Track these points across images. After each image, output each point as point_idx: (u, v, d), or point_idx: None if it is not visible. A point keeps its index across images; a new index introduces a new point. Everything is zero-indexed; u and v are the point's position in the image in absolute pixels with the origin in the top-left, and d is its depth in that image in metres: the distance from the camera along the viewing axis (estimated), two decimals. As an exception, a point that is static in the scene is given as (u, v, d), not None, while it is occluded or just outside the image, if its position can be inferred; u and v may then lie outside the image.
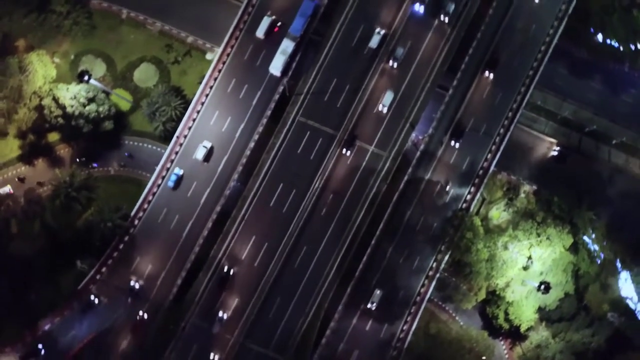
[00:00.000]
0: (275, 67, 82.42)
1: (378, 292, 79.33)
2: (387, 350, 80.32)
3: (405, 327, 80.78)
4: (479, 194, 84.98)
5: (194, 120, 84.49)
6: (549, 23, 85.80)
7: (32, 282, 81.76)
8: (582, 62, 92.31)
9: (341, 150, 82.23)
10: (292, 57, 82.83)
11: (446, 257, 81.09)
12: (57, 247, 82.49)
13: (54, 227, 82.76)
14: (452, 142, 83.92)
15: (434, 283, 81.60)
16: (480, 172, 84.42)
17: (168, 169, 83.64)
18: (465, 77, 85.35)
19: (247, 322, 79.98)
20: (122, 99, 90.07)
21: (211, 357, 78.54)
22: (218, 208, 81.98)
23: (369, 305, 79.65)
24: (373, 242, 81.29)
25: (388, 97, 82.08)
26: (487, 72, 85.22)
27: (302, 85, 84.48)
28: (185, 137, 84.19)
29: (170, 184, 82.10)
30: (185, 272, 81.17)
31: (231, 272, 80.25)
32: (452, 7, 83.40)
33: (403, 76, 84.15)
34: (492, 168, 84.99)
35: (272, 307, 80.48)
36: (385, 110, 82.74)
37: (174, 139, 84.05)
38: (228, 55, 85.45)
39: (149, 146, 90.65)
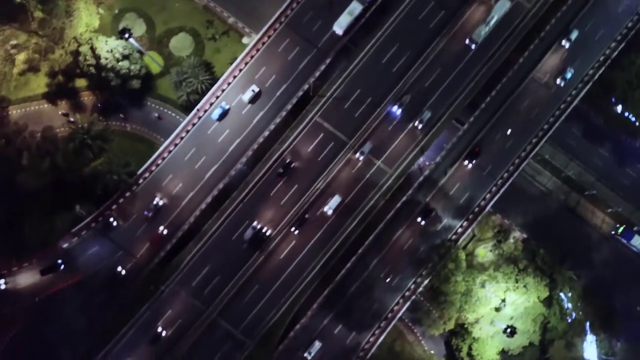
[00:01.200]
0: (340, 25, 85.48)
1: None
2: (348, 357, 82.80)
3: (371, 339, 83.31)
4: (470, 230, 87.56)
5: (217, 97, 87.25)
6: (573, 84, 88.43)
7: (30, 215, 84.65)
8: (597, 127, 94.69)
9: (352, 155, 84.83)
10: (356, 19, 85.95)
11: (425, 282, 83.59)
12: (61, 187, 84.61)
13: (62, 168, 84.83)
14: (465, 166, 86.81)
15: (408, 303, 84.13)
16: (476, 209, 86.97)
17: (182, 138, 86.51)
18: (482, 116, 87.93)
19: (223, 301, 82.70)
20: (154, 62, 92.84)
21: (178, 322, 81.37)
22: (221, 186, 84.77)
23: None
24: (360, 251, 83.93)
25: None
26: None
27: (327, 89, 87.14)
28: (205, 111, 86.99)
29: (181, 153, 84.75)
30: (175, 240, 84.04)
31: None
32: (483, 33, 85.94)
33: (424, 101, 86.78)
34: (488, 208, 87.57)
35: (249, 292, 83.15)
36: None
37: (194, 111, 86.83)
38: (263, 44, 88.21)
39: (169, 112, 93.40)
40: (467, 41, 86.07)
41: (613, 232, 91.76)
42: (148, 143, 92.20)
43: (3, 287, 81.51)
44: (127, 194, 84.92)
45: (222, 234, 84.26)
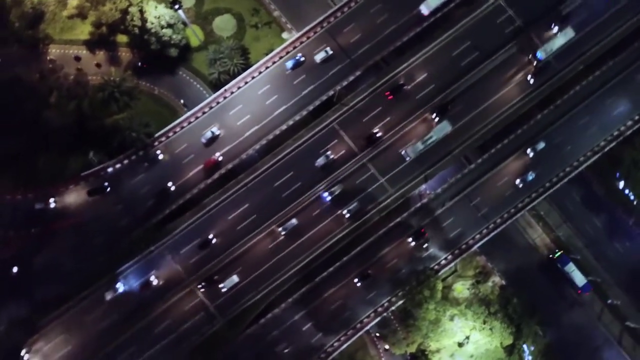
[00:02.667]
0: (428, 5, 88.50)
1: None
2: (310, 356, 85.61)
3: (336, 344, 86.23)
4: (453, 264, 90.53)
5: (245, 82, 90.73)
6: (583, 151, 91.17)
7: (46, 150, 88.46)
8: (596, 197, 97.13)
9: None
10: (444, 4, 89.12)
11: (399, 302, 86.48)
12: (80, 131, 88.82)
13: (86, 113, 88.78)
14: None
15: (378, 319, 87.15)
16: (464, 246, 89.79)
17: (204, 113, 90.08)
18: (489, 160, 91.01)
19: (206, 274, 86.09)
20: (195, 36, 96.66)
21: (157, 283, 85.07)
22: (230, 166, 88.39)
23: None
24: (345, 259, 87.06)
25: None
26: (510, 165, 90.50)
27: (350, 99, 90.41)
28: (231, 93, 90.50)
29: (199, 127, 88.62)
30: (175, 206, 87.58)
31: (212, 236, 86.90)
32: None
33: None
34: (475, 248, 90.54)
35: (232, 273, 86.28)
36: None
37: (221, 90, 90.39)
38: (301, 43, 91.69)
39: (198, 86, 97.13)
40: (402, 152, 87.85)
41: (550, 255, 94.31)
42: (171, 110, 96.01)
43: (52, 205, 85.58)
44: (141, 153, 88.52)
45: (220, 212, 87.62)
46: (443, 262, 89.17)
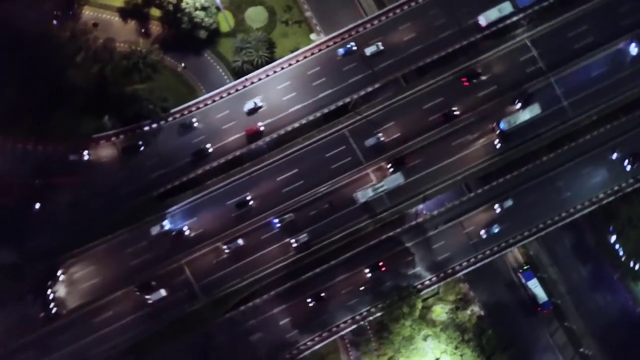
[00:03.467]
0: (487, 17, 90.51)
1: None
2: (282, 350, 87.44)
3: (309, 343, 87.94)
4: (436, 286, 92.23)
5: (267, 75, 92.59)
6: (581, 200, 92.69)
7: (62, 107, 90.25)
8: (586, 246, 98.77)
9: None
10: (502, 19, 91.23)
11: (377, 314, 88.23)
12: (99, 94, 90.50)
13: (108, 78, 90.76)
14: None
15: (354, 326, 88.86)
16: (449, 271, 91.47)
17: (221, 98, 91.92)
18: (490, 192, 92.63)
19: (194, 254, 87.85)
20: (226, 22, 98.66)
21: (146, 255, 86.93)
22: (237, 152, 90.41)
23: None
24: (333, 263, 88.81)
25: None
26: (508, 201, 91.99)
27: (365, 109, 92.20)
28: (252, 83, 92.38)
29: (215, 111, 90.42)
30: (178, 182, 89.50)
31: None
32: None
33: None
34: (460, 274, 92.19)
35: (220, 256, 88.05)
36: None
37: (242, 79, 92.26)
38: (327, 47, 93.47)
39: (220, 70, 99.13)
40: (354, 195, 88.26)
41: (520, 270, 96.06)
42: (190, 88, 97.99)
43: (86, 157, 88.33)
44: (154, 125, 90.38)
45: (219, 196, 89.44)
46: (427, 282, 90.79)
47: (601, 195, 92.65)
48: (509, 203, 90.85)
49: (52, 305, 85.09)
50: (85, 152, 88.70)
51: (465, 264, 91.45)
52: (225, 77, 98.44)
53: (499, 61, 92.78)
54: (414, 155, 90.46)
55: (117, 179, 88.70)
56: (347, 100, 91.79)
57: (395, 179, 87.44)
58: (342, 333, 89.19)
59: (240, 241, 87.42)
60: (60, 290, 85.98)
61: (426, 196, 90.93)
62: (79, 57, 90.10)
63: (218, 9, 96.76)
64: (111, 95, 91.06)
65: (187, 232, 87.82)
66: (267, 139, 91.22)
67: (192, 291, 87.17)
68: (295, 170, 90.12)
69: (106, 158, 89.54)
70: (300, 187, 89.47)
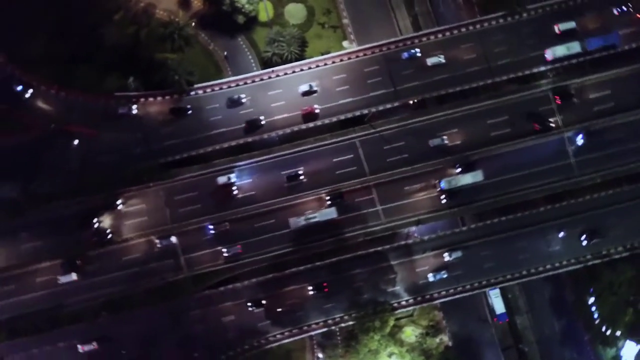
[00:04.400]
0: (554, 52, 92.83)
1: None
2: (251, 337, 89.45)
3: (278, 336, 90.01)
4: (411, 308, 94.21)
5: (293, 72, 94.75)
6: (568, 256, 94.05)
7: (91, 60, 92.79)
8: (564, 302, 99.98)
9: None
10: (567, 57, 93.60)
11: (350, 322, 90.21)
12: (130, 56, 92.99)
13: (141, 42, 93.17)
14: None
15: (325, 329, 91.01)
16: (427, 296, 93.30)
17: (245, 84, 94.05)
18: (482, 230, 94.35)
19: (188, 227, 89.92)
20: (266, 12, 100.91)
21: (143, 218, 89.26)
22: (249, 139, 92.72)
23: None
24: (317, 264, 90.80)
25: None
26: (494, 241, 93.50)
27: (380, 124, 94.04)
28: (277, 76, 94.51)
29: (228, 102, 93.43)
30: (182, 155, 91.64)
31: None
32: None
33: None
34: (436, 302, 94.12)
35: (209, 233, 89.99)
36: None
37: (269, 69, 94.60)
38: (357, 57, 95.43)
39: (249, 57, 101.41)
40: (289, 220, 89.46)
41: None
42: (217, 68, 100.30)
43: (134, 112, 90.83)
44: (175, 96, 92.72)
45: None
46: (404, 303, 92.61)
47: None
48: (495, 244, 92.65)
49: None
50: (134, 107, 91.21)
51: (443, 292, 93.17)
52: (253, 64, 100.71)
53: (517, 106, 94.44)
54: (379, 187, 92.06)
55: (159, 134, 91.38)
56: (365, 111, 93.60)
57: (330, 213, 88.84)
58: (312, 333, 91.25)
59: (227, 224, 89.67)
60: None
61: (420, 220, 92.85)
62: (117, 16, 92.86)
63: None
64: (141, 58, 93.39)
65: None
66: (280, 131, 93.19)
67: (177, 262, 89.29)
68: (301, 167, 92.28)
69: (153, 115, 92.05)
70: (302, 184, 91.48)
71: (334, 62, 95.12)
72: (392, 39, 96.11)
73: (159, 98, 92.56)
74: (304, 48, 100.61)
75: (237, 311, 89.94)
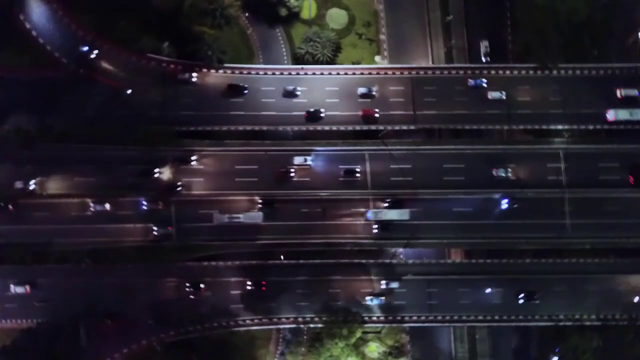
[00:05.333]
0: (616, 114, 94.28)
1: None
2: (221, 316, 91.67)
3: (248, 322, 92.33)
4: (380, 326, 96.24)
5: (321, 73, 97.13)
6: (539, 313, 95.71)
7: (129, 18, 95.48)
8: (528, 355, 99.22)
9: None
10: (628, 122, 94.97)
11: (319, 325, 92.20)
12: (169, 21, 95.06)
13: (184, 11, 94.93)
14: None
15: (294, 326, 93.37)
16: (398, 318, 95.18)
17: (273, 74, 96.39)
18: (464, 266, 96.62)
19: (188, 197, 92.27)
20: (309, 11, 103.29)
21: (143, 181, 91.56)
22: (265, 127, 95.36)
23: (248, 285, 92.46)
24: (300, 261, 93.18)
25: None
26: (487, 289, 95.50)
27: (391, 142, 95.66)
28: (305, 73, 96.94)
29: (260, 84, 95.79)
30: (200, 128, 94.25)
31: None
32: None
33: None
34: (406, 325, 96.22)
35: (203, 211, 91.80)
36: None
37: (299, 66, 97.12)
38: (385, 73, 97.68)
39: (283, 49, 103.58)
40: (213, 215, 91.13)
41: None
42: (250, 53, 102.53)
43: (194, 79, 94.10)
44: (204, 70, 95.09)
45: (230, 158, 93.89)
46: (374, 318, 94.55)
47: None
48: (474, 283, 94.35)
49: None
50: (195, 75, 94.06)
51: (415, 318, 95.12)
52: (285, 57, 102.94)
53: (525, 158, 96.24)
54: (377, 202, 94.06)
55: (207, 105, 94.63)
56: (381, 127, 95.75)
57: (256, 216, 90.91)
58: (281, 327, 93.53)
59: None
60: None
61: (409, 243, 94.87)
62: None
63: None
64: (180, 26, 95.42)
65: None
66: (295, 127, 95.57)
67: (167, 229, 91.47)
68: (256, 166, 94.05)
69: (210, 86, 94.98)
70: (305, 182, 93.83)
71: (362, 74, 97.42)
72: (423, 64, 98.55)
73: (220, 72, 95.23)
74: (337, 53, 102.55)
75: (214, 288, 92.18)
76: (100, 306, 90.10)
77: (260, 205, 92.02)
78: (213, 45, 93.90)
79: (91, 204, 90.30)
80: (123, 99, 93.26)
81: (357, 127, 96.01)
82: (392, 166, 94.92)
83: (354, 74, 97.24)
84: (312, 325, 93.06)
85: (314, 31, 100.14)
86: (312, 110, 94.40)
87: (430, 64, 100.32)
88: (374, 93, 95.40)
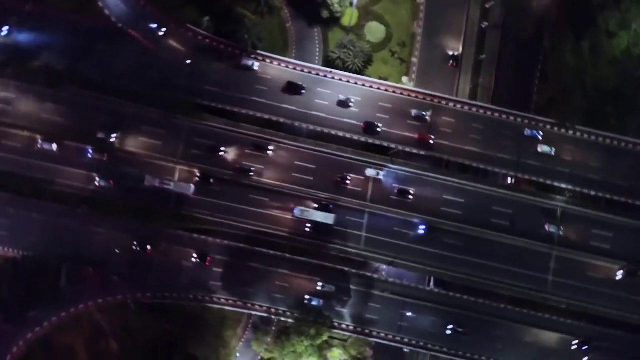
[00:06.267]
0: None
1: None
2: (198, 290, 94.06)
3: (222, 301, 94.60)
4: (348, 334, 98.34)
5: (346, 81, 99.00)
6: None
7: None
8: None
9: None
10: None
11: (289, 320, 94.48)
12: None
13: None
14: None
15: (266, 315, 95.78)
16: (367, 331, 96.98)
17: (302, 71, 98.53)
18: (441, 296, 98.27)
19: (193, 168, 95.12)
20: (349, 19, 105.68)
21: (152, 144, 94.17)
22: (281, 120, 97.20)
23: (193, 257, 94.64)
24: (285, 255, 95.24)
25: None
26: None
27: (400, 162, 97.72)
28: (331, 78, 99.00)
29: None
30: (220, 105, 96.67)
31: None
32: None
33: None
34: (373, 340, 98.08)
35: (212, 186, 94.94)
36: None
37: (329, 69, 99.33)
38: (408, 95, 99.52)
39: (316, 49, 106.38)
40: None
41: None
42: (285, 45, 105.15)
43: (256, 68, 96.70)
44: (237, 51, 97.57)
45: (244, 141, 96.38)
46: (344, 326, 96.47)
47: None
48: (445, 315, 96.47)
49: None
50: (257, 64, 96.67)
51: (382, 335, 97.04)
52: (317, 58, 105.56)
53: (524, 208, 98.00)
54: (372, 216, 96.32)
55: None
56: (393, 146, 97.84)
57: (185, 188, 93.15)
58: (253, 313, 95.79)
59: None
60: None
61: (394, 262, 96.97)
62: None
63: (351, 4, 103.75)
64: (224, 5, 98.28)
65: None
66: (311, 126, 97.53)
67: (169, 195, 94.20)
68: (314, 166, 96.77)
69: (269, 78, 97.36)
70: (306, 180, 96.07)
71: (386, 90, 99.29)
72: (447, 95, 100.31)
73: (282, 65, 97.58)
74: (367, 65, 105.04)
75: (199, 263, 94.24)
76: (86, 253, 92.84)
77: (197, 178, 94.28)
78: (251, 30, 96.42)
79: (39, 142, 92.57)
80: (154, 62, 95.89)
81: (370, 140, 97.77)
82: (393, 184, 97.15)
83: (378, 88, 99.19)
84: (282, 319, 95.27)
85: (350, 39, 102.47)
86: (368, 122, 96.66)
87: (452, 95, 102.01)
88: (427, 118, 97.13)
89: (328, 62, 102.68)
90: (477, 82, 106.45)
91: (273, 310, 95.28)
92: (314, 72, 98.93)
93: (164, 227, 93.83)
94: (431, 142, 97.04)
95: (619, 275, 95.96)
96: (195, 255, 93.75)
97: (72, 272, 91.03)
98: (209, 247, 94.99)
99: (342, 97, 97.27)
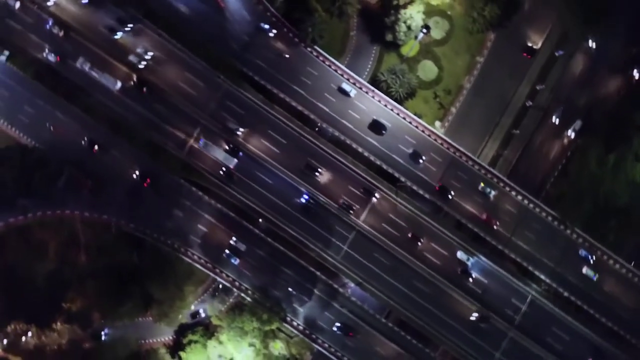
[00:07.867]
0: None
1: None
2: (178, 238, 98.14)
3: (195, 257, 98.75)
4: (296, 332, 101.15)
5: (385, 105, 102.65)
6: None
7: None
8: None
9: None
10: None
11: (247, 299, 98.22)
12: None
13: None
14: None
15: (229, 286, 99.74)
16: (314, 336, 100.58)
17: (347, 80, 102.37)
18: (391, 331, 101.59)
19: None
20: (409, 49, 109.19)
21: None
22: (312, 116, 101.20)
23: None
24: (269, 239, 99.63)
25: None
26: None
27: (403, 195, 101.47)
28: (372, 96, 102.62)
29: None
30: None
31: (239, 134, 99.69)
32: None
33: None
34: (316, 347, 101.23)
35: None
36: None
37: (372, 87, 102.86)
38: (434, 140, 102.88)
39: (368, 65, 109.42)
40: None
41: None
42: (342, 49, 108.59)
43: (352, 95, 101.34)
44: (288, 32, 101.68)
45: (265, 125, 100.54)
46: (295, 324, 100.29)
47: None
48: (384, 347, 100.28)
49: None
50: (354, 91, 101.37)
51: (326, 345, 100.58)
52: (365, 73, 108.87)
53: (499, 281, 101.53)
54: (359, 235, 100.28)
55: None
56: (402, 178, 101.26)
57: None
58: (219, 280, 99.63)
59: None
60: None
61: (362, 284, 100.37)
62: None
63: (416, 37, 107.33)
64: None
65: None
66: (336, 132, 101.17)
67: (185, 145, 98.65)
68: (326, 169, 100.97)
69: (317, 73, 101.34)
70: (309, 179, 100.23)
71: (416, 127, 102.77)
72: (466, 151, 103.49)
73: (332, 67, 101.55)
74: (408, 97, 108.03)
75: (188, 214, 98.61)
76: (92, 166, 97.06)
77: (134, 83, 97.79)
78: (317, 26, 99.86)
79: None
80: (219, 19, 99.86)
81: (383, 165, 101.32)
82: (389, 214, 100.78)
83: (409, 122, 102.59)
84: (242, 295, 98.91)
85: (402, 68, 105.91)
86: (416, 152, 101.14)
87: (476, 158, 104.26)
88: (490, 196, 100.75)
89: (374, 81, 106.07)
90: (502, 152, 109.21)
91: (237, 283, 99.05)
92: (357, 84, 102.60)
93: (169, 170, 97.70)
94: (495, 227, 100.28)
95: None
96: (137, 173, 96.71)
97: (72, 178, 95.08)
98: (203, 204, 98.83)
99: (377, 118, 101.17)
